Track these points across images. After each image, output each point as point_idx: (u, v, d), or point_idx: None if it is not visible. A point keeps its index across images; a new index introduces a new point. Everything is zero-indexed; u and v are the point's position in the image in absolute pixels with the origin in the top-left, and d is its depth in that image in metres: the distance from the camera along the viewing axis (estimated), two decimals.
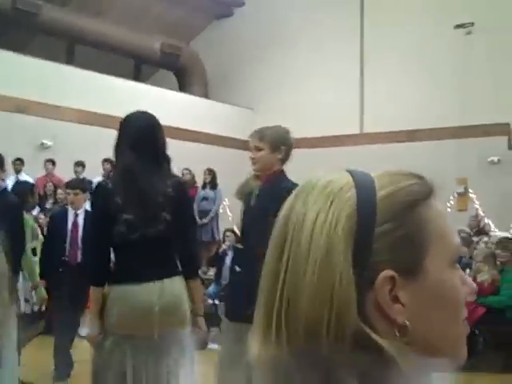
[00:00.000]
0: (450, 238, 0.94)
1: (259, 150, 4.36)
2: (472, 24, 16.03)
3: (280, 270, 0.90)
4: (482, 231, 12.80)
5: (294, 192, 0.95)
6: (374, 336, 0.86)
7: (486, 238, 10.98)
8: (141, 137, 3.83)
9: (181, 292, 3.83)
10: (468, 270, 9.04)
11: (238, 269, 4.71)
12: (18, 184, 8.40)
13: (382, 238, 0.89)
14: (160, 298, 3.71)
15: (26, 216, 6.72)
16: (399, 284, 0.89)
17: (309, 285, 0.87)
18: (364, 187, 0.91)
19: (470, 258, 9.49)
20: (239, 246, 5.15)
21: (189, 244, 4.02)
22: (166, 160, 3.94)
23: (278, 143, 4.37)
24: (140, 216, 3.74)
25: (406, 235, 0.90)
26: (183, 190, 4.06)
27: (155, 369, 3.74)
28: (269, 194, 4.16)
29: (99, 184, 4.31)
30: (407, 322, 0.89)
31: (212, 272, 12.38)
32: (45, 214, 11.72)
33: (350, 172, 0.94)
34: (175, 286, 3.81)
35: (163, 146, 3.93)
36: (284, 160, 4.43)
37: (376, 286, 0.88)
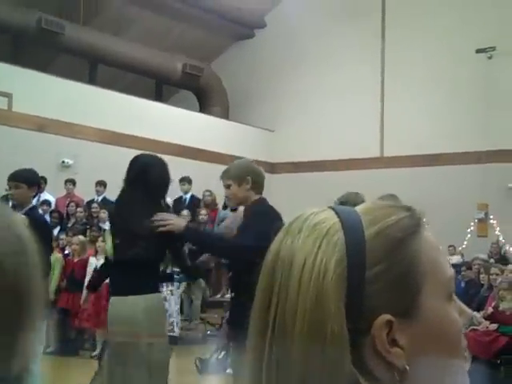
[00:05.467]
0: (443, 270, 0.89)
1: (228, 186, 4.44)
2: (493, 48, 16.00)
3: (268, 323, 0.85)
4: (503, 258, 12.68)
5: (282, 231, 0.89)
6: None
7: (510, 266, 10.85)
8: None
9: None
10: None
11: None
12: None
13: (374, 281, 0.84)
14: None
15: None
16: (396, 327, 0.83)
17: (298, 340, 0.82)
18: (351, 228, 0.86)
19: (490, 286, 9.37)
20: None
21: None
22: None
23: (243, 175, 4.41)
24: None
25: (398, 275, 0.85)
26: None
27: None
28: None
29: None
30: (407, 367, 0.83)
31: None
32: (66, 234, 11.73)
33: (335, 210, 0.89)
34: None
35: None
36: (256, 188, 4.44)
37: (373, 333, 0.83)
